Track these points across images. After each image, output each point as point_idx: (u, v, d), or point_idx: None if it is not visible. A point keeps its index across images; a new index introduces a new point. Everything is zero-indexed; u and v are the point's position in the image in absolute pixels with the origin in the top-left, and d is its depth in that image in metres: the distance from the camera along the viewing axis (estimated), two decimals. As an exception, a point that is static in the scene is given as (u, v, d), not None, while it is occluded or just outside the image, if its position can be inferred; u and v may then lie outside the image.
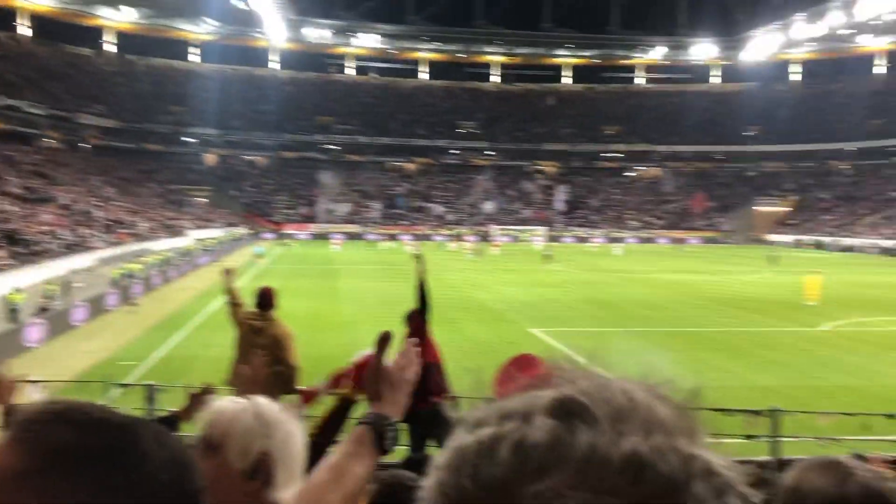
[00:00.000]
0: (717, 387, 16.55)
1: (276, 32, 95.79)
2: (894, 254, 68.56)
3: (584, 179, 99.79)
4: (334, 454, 1.51)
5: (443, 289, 25.49)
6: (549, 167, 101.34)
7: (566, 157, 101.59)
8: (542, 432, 0.49)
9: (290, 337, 6.55)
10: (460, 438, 0.51)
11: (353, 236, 78.17)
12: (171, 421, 3.47)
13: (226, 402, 1.55)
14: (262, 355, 5.38)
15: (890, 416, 6.65)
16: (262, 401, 1.57)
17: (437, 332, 6.51)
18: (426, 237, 75.94)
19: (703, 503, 0.47)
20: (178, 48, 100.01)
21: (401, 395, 1.64)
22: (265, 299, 6.72)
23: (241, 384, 3.26)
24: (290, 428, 1.54)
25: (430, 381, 5.75)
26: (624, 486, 0.47)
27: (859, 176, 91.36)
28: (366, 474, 1.48)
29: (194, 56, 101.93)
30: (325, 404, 4.32)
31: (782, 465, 8.05)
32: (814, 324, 25.38)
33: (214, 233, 64.77)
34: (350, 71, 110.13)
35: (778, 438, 6.18)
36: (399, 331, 6.69)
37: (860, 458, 8.00)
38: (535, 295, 31.95)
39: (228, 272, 7.09)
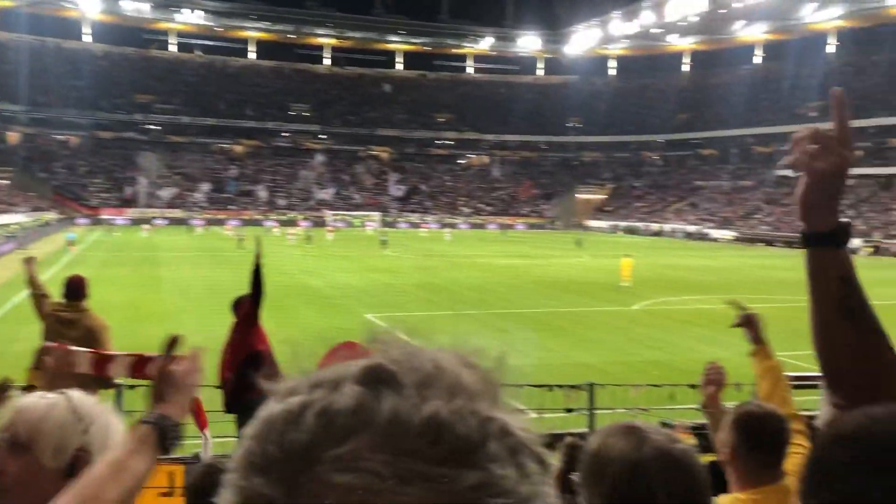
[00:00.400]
0: (541, 365, 17.40)
1: (88, 2, 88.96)
2: (697, 238, 75.05)
3: (417, 166, 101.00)
4: (114, 450, 1.43)
5: (274, 275, 24.91)
6: (382, 153, 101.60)
7: (400, 143, 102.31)
8: (347, 398, 0.51)
9: (105, 329, 6.13)
10: (270, 408, 0.53)
11: (176, 221, 74.48)
12: None
13: (33, 398, 1.43)
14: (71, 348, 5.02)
15: (692, 387, 7.27)
16: (76, 394, 1.46)
17: (267, 319, 6.35)
18: (255, 222, 73.72)
19: (498, 461, 0.50)
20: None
21: (184, 397, 1.64)
22: (75, 289, 6.23)
23: (45, 378, 3.03)
24: (108, 420, 1.47)
25: (260, 369, 5.60)
26: (423, 447, 0.49)
27: (668, 166, 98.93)
28: (146, 472, 1.41)
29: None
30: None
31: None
32: (627, 303, 27.24)
33: (18, 218, 59.44)
34: (172, 48, 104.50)
35: (594, 411, 6.60)
36: (227, 319, 6.48)
37: (665, 425, 8.72)
38: (369, 280, 31.99)
39: (29, 261, 6.52)
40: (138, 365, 4.27)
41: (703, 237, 75.40)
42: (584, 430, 7.00)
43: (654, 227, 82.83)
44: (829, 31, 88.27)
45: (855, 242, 62.65)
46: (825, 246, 1.33)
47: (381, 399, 0.51)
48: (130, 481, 1.36)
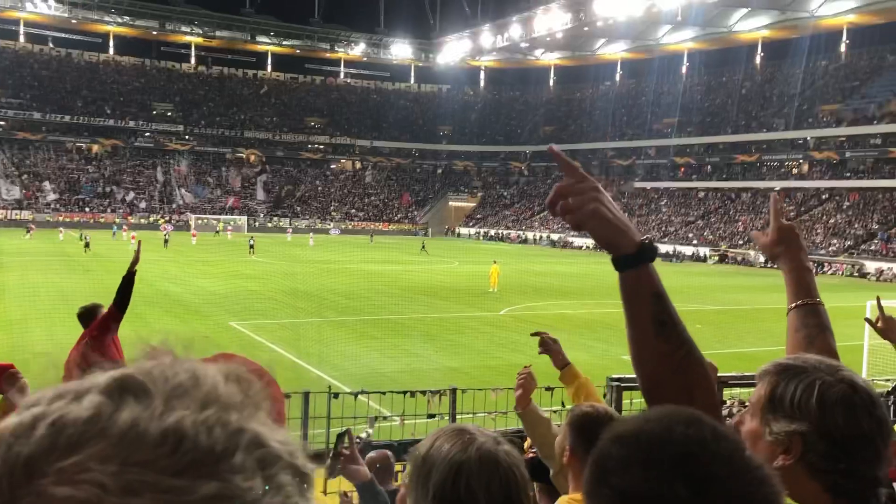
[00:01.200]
0: (409, 370, 17.57)
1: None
2: (560, 246, 77.93)
3: (287, 170, 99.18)
4: None
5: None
6: (251, 155, 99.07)
7: (269, 146, 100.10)
8: (84, 408, 0.49)
9: None
10: (5, 421, 0.50)
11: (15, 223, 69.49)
12: None
13: None
14: None
15: (548, 389, 7.57)
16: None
17: (123, 327, 6.07)
18: (106, 225, 69.73)
19: (242, 472, 0.49)
20: None
21: None
22: None
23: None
24: None
25: None
26: (158, 458, 0.47)
27: (533, 176, 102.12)
28: None
29: None
30: None
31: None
32: (494, 309, 27.94)
33: None
34: (22, 39, 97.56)
35: (457, 415, 6.74)
36: (76, 328, 6.14)
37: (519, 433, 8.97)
38: (233, 287, 31.12)
39: None
40: None
41: (566, 245, 78.32)
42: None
43: (521, 234, 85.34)
44: (683, 51, 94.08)
45: (703, 251, 67.05)
46: (634, 266, 1.37)
47: (122, 409, 0.49)
48: None
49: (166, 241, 52.34)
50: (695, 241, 70.39)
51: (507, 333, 22.91)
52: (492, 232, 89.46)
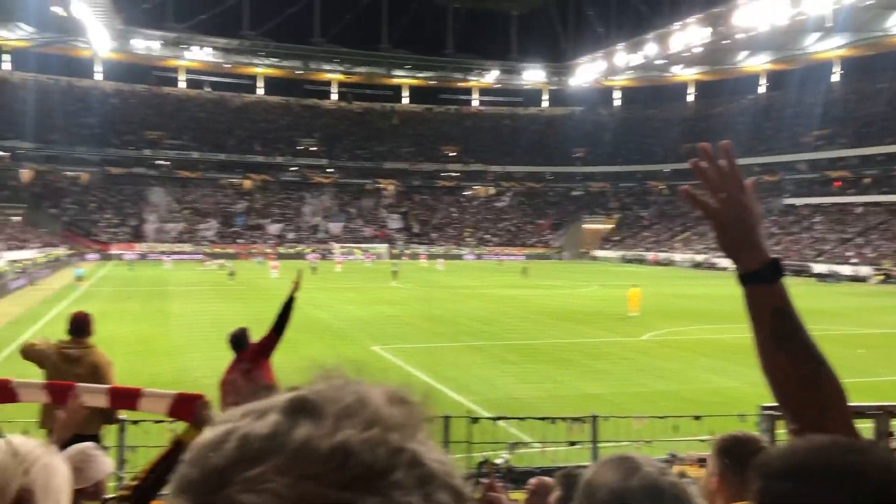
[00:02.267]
0: (548, 396, 17.35)
1: (100, 42, 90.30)
2: (705, 267, 74.84)
3: (423, 198, 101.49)
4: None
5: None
6: (389, 185, 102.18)
7: (406, 176, 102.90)
8: (266, 425, 0.57)
9: (110, 365, 6.17)
10: (203, 434, 0.59)
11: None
12: None
13: None
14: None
15: (696, 418, 7.26)
16: (17, 438, 1.53)
17: (275, 353, 6.39)
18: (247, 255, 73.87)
19: (403, 489, 0.55)
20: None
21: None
22: (80, 325, 6.25)
23: (57, 426, 3.07)
24: (49, 461, 1.51)
25: None
26: (327, 472, 0.54)
27: (674, 195, 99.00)
28: None
29: (6, 64, 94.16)
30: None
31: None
32: (635, 334, 27.15)
33: (29, 254, 59.88)
34: (182, 84, 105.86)
35: (598, 443, 6.59)
36: (225, 352, 6.51)
37: (674, 457, 8.66)
38: (375, 312, 32.02)
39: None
40: (176, 405, 4.14)
41: (711, 266, 75.18)
42: (587, 463, 7.00)
43: (662, 256, 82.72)
44: (833, 59, 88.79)
45: (864, 271, 62.34)
46: (757, 283, 1.39)
47: (297, 427, 0.57)
48: None
49: (314, 268, 54.74)
50: (854, 260, 65.61)
51: (650, 359, 22.20)
52: (629, 254, 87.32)
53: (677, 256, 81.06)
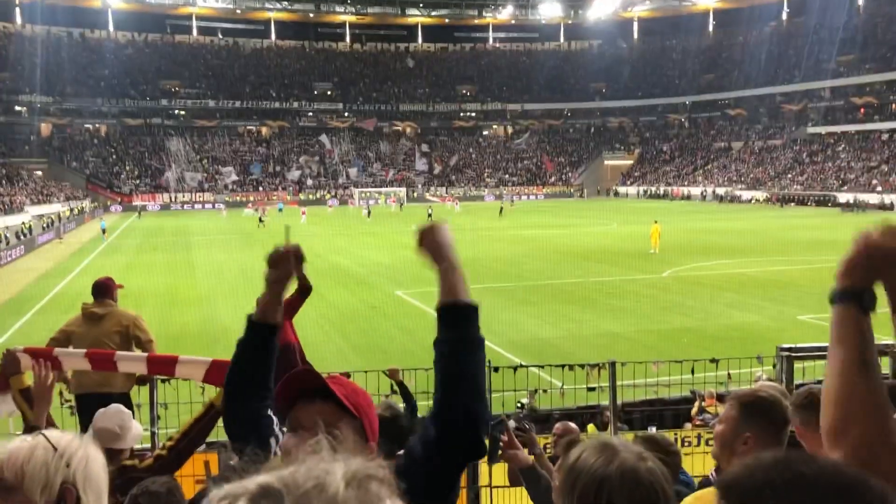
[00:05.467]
0: (570, 336, 17.59)
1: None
2: (728, 200, 74.24)
3: (441, 139, 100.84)
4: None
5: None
6: (406, 127, 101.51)
7: (423, 118, 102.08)
8: None
9: (135, 319, 6.32)
10: None
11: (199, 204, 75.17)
12: None
13: (16, 442, 1.59)
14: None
15: (713, 361, 7.38)
16: (53, 433, 1.64)
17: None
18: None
19: None
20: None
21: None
22: (102, 289, 6.38)
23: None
24: (87, 453, 1.61)
25: (292, 363, 5.76)
26: None
27: (694, 128, 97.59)
28: None
29: (18, 17, 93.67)
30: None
31: (624, 408, 8.77)
32: (656, 271, 27.20)
33: (54, 208, 60.67)
34: (194, 32, 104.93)
35: (617, 387, 6.72)
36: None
37: (694, 393, 8.77)
38: (397, 257, 32.25)
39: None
40: (212, 371, 4.18)
41: (734, 199, 74.54)
42: (606, 402, 7.17)
43: (684, 189, 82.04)
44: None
45: (890, 199, 61.39)
46: (851, 302, 1.38)
47: None
48: None
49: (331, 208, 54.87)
50: (879, 189, 64.67)
51: (672, 296, 22.31)
52: (652, 189, 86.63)
53: (698, 190, 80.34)
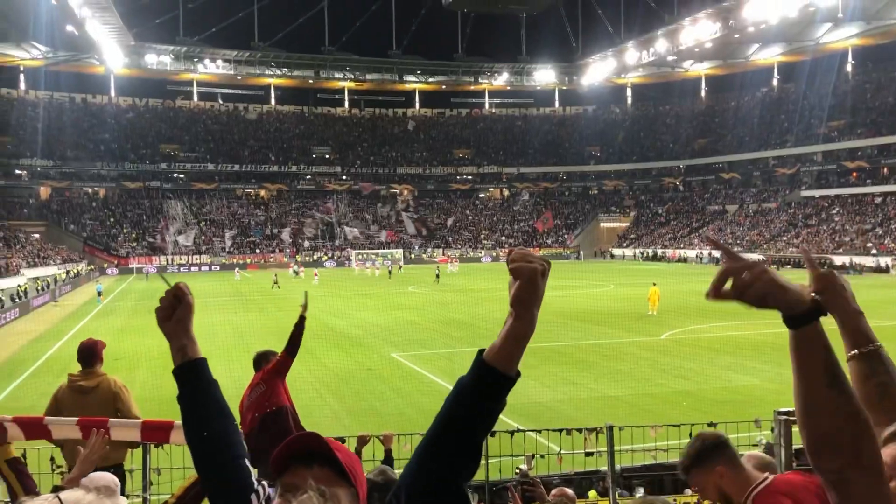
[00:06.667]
0: (568, 399, 17.37)
1: (113, 58, 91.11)
2: (721, 262, 74.36)
3: (438, 202, 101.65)
4: None
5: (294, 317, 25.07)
6: (403, 190, 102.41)
7: (420, 180, 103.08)
8: None
9: (122, 389, 6.15)
10: None
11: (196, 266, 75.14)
12: None
13: (37, 501, 1.57)
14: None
15: (711, 425, 7.27)
16: (69, 494, 1.61)
17: (294, 362, 6.45)
18: (275, 266, 74.36)
19: None
20: (3, 75, 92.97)
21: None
22: (88, 355, 6.20)
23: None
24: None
25: (284, 426, 5.66)
26: None
27: (689, 191, 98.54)
28: None
29: (21, 83, 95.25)
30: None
31: (623, 473, 8.61)
32: (654, 333, 27.06)
33: (51, 270, 60.60)
34: (195, 97, 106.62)
35: (615, 452, 6.62)
36: (249, 368, 6.60)
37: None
38: (392, 318, 32.12)
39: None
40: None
41: (729, 261, 74.65)
42: (604, 468, 7.04)
43: (680, 252, 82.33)
44: (845, 49, 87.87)
45: (884, 261, 61.74)
46: (810, 322, 1.42)
47: None
48: None
49: (296, 274, 55.00)
50: (874, 251, 65.00)
51: (670, 359, 22.14)
52: (648, 251, 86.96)
53: (693, 252, 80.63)
